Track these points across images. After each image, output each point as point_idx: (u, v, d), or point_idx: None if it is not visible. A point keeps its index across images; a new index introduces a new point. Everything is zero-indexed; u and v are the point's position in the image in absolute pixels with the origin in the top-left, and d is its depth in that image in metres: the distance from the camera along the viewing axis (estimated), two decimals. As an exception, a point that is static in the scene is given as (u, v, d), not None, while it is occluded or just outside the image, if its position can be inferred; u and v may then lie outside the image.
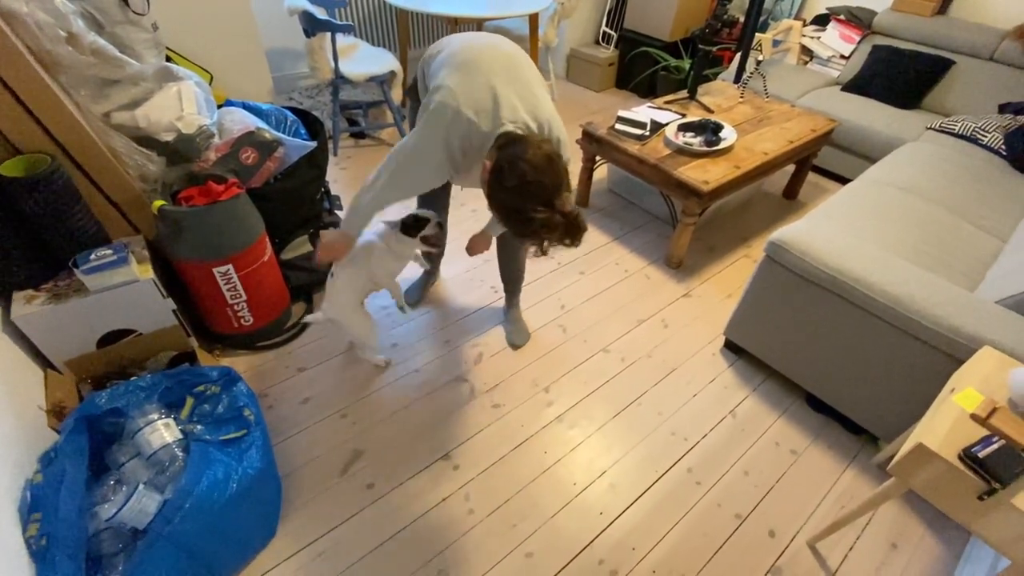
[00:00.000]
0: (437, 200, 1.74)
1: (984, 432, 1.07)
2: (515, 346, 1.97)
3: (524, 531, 1.46)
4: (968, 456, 1.02)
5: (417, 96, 1.52)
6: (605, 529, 1.48)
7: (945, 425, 1.09)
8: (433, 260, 2.09)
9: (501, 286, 2.02)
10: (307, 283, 2.07)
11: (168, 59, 1.97)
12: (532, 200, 1.08)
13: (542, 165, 1.10)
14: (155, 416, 1.28)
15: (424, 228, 1.60)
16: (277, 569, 1.35)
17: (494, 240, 1.81)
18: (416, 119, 1.36)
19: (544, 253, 1.17)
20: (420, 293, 2.13)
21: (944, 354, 1.39)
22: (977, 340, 1.32)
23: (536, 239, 1.13)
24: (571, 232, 1.12)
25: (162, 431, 1.27)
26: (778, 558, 1.44)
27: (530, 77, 1.31)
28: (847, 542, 1.48)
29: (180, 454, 1.26)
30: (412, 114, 1.60)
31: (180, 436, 1.29)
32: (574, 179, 2.93)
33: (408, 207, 1.70)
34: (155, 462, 1.25)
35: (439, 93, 1.23)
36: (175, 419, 1.32)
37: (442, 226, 1.67)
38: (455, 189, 1.81)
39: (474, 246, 1.71)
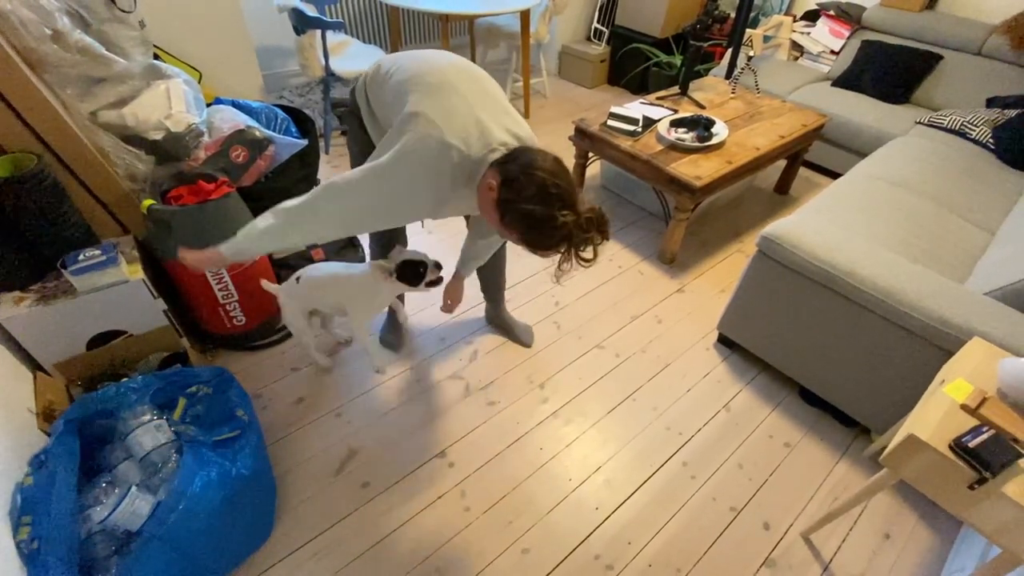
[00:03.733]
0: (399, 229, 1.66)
1: (974, 422, 1.08)
2: (529, 344, 1.97)
3: (520, 527, 1.46)
4: (959, 446, 1.03)
5: (359, 123, 1.38)
6: (601, 524, 1.48)
7: (936, 416, 1.10)
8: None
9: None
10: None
11: (156, 57, 1.95)
12: (555, 204, 1.00)
13: (555, 168, 1.03)
14: (147, 418, 1.27)
15: (427, 274, 1.48)
16: (273, 570, 1.34)
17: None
18: (378, 149, 1.17)
19: (570, 262, 1.06)
20: (399, 337, 1.94)
21: (934, 346, 1.40)
22: (967, 331, 1.33)
23: (563, 246, 1.03)
24: (601, 225, 1.02)
25: (154, 432, 1.26)
26: (773, 550, 1.45)
27: (498, 94, 1.22)
28: (840, 533, 1.50)
29: (173, 455, 1.25)
30: (355, 143, 1.44)
31: (173, 437, 1.28)
32: (567, 176, 2.94)
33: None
34: (148, 464, 1.24)
35: (417, 123, 1.08)
36: (167, 420, 1.31)
37: (440, 265, 1.51)
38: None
39: (451, 296, 1.66)
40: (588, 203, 1.04)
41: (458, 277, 1.64)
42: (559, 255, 1.04)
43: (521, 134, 1.16)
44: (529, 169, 1.02)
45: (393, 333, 1.93)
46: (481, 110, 1.13)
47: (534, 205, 1.00)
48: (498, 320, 2.01)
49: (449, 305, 1.69)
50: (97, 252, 1.41)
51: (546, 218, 1.00)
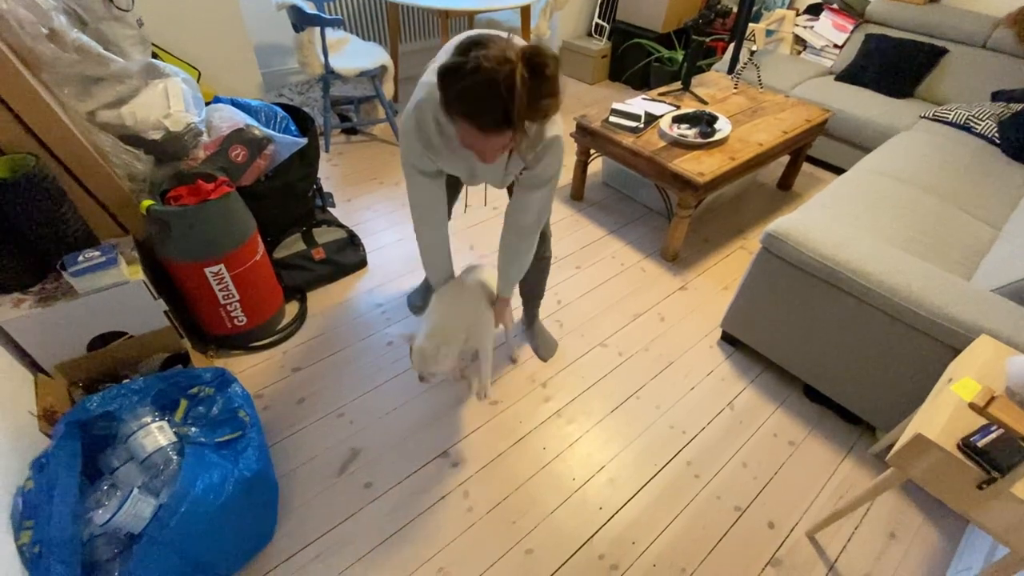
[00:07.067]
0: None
1: (982, 421, 1.07)
2: (545, 359, 1.91)
3: (524, 527, 1.46)
4: (967, 446, 1.02)
5: None
6: (605, 524, 1.48)
7: (943, 415, 1.09)
8: None
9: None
10: (301, 282, 2.05)
11: (154, 56, 1.94)
12: (467, 52, 0.96)
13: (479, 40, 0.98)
14: (148, 419, 1.27)
15: None
16: (276, 571, 1.34)
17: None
18: None
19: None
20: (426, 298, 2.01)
21: (941, 343, 1.39)
22: (974, 329, 1.32)
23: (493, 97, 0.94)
24: (534, 74, 0.91)
25: (156, 434, 1.25)
26: (778, 549, 1.45)
27: None
28: (846, 532, 1.49)
29: (175, 457, 1.25)
30: None
31: (174, 439, 1.27)
32: (568, 173, 2.92)
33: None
34: (149, 466, 1.23)
35: None
36: (169, 422, 1.31)
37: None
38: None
39: (500, 319, 1.61)
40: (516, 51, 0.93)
41: (503, 301, 1.58)
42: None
43: None
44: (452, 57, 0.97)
45: (423, 298, 1.98)
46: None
47: (451, 59, 0.95)
48: (527, 328, 1.98)
49: (498, 320, 1.63)
50: (96, 253, 1.40)
51: (457, 67, 0.93)
